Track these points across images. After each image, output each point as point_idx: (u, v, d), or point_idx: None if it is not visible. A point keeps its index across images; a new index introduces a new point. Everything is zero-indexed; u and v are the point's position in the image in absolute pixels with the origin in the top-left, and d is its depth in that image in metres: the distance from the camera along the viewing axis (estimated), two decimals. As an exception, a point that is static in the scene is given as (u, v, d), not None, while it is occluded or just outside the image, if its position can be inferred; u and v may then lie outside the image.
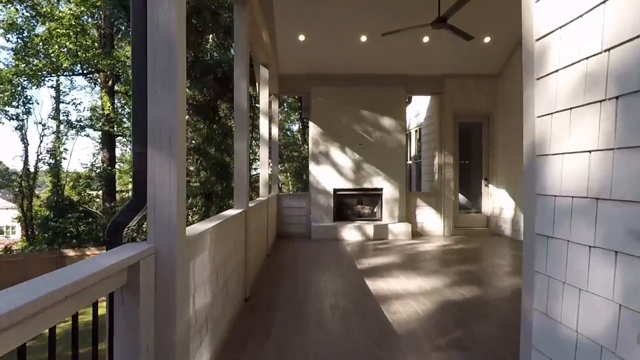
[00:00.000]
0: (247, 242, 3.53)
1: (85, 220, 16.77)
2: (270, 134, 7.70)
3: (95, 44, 16.72)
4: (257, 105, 15.33)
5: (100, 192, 19.15)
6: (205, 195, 15.27)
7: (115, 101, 19.62)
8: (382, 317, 3.12)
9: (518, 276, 4.45)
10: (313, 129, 7.44)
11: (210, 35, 14.53)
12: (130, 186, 19.99)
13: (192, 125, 15.60)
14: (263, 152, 5.49)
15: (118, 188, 22.68)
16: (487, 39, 6.75)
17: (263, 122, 5.43)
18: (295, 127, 21.56)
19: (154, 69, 1.53)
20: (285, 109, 21.82)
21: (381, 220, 7.56)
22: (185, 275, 1.69)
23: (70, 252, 14.98)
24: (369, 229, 7.14)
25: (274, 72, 6.64)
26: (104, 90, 18.54)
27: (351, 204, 7.80)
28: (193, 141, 15.62)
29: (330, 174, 7.43)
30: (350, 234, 7.11)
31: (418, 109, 9.42)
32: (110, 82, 18.55)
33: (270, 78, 6.11)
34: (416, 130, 9.80)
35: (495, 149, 7.73)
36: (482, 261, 5.35)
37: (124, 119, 18.05)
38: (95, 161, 17.86)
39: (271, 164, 7.49)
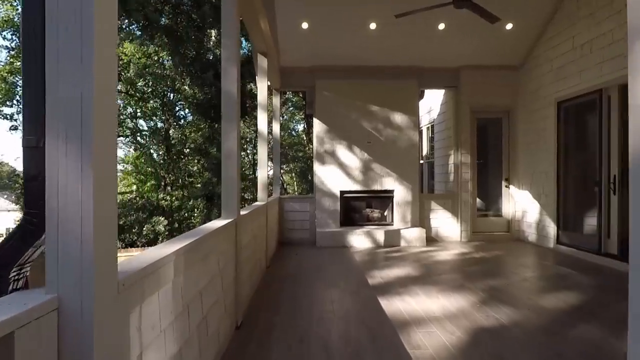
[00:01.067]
0: (238, 258, 2.94)
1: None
2: (271, 131, 7.14)
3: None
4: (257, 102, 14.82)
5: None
6: (207, 198, 14.77)
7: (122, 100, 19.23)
8: (404, 354, 2.51)
9: (559, 293, 3.81)
10: (318, 126, 6.85)
11: (214, 32, 14.02)
12: (134, 187, 19.57)
13: (194, 124, 15.11)
14: (261, 151, 4.91)
15: (121, 189, 22.32)
16: (509, 26, 6.10)
17: (262, 117, 4.85)
18: (301, 127, 21.05)
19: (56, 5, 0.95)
20: (290, 108, 21.28)
21: (392, 225, 6.94)
22: (119, 337, 1.10)
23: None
24: (380, 234, 6.53)
25: (275, 64, 6.06)
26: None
27: (359, 208, 7.19)
28: (194, 141, 15.15)
29: (337, 175, 6.83)
30: (359, 240, 6.50)
31: (430, 104, 8.79)
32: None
33: (270, 70, 5.53)
34: (428, 128, 9.16)
35: (517, 146, 7.07)
36: (511, 273, 4.71)
37: (124, 117, 17.59)
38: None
39: (272, 165, 6.91)
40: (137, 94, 16.54)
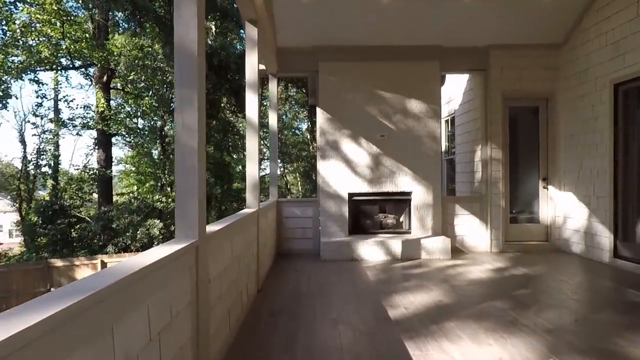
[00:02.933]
0: (201, 302, 1.92)
1: (77, 227, 15.50)
2: (263, 120, 6.11)
3: (86, 34, 15.40)
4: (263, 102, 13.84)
5: (95, 196, 17.91)
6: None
7: (115, 98, 18.31)
8: None
9: (658, 339, 2.74)
10: (321, 118, 5.82)
11: (213, 25, 13.05)
12: (134, 188, 18.63)
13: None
14: (251, 143, 3.88)
15: (119, 190, 21.46)
16: (552, -7, 5.03)
17: (251, 100, 3.83)
18: (305, 125, 20.15)
19: None
20: (295, 106, 20.35)
21: (410, 233, 5.89)
22: None
23: (58, 263, 13.60)
24: (395, 245, 5.48)
25: (270, 41, 5.04)
26: (98, 86, 17.22)
27: (371, 213, 6.15)
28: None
29: (344, 174, 5.80)
30: (371, 251, 5.46)
31: (449, 94, 7.72)
32: (105, 77, 17.21)
33: (265, 50, 4.54)
34: (447, 121, 8.09)
35: (558, 140, 5.99)
36: (572, 301, 3.65)
37: (122, 117, 16.64)
38: (88, 162, 16.54)
39: (269, 161, 5.89)
40: (135, 91, 15.63)
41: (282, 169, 21.87)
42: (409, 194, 5.88)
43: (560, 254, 5.70)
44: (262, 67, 5.71)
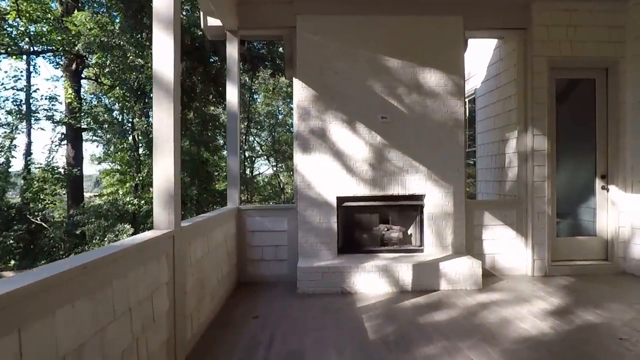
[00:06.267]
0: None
1: (38, 233, 13.80)
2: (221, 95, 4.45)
3: (49, 15, 13.64)
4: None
5: (65, 197, 16.16)
6: (178, 201, 12.11)
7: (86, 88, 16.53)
8: None
9: None
10: (301, 93, 4.20)
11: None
12: (115, 189, 16.90)
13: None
14: (161, 116, 2.24)
15: (101, 191, 19.68)
16: None
17: (160, 38, 2.21)
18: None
19: None
20: (287, 101, 18.77)
21: (422, 251, 4.30)
22: None
23: (10, 274, 11.86)
24: (404, 270, 3.87)
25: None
26: (66, 75, 15.43)
27: (369, 224, 4.56)
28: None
29: (333, 172, 4.19)
30: (369, 281, 3.85)
31: (468, 68, 6.10)
32: (74, 66, 15.41)
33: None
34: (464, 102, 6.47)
35: (622, 123, 4.41)
36: None
37: (93, 109, 14.86)
38: (52, 159, 14.78)
39: (229, 154, 4.28)
40: (107, 82, 13.90)
41: (275, 168, 20.26)
42: (420, 197, 4.29)
43: (633, 280, 4.12)
44: (217, 22, 4.09)
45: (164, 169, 2.19)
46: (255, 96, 19.39)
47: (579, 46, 4.35)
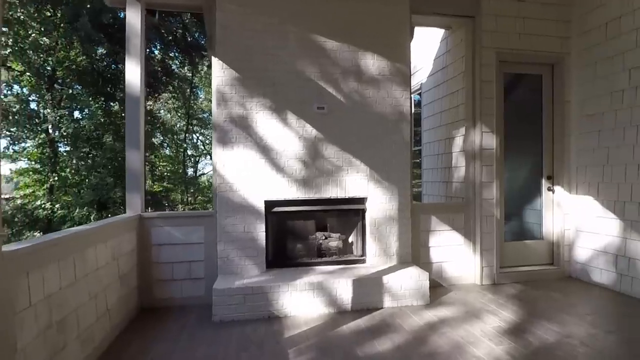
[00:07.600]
0: None
1: None
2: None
3: None
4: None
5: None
6: (99, 205, 10.67)
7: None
8: None
9: None
10: (221, 75, 3.47)
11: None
12: (32, 191, 14.64)
13: (79, 101, 10.83)
14: None
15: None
16: None
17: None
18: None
19: None
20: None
21: (364, 261, 3.77)
22: None
23: None
24: (343, 286, 3.30)
25: None
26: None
27: (304, 232, 3.94)
28: (83, 128, 10.87)
29: (259, 170, 3.51)
30: (302, 301, 3.22)
31: (414, 62, 5.74)
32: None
33: None
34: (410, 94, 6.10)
35: (568, 122, 4.24)
36: None
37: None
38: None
39: (129, 148, 3.42)
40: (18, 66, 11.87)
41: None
42: (362, 200, 3.76)
43: (579, 286, 3.93)
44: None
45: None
46: (197, 91, 18.04)
47: (527, 39, 4.10)
